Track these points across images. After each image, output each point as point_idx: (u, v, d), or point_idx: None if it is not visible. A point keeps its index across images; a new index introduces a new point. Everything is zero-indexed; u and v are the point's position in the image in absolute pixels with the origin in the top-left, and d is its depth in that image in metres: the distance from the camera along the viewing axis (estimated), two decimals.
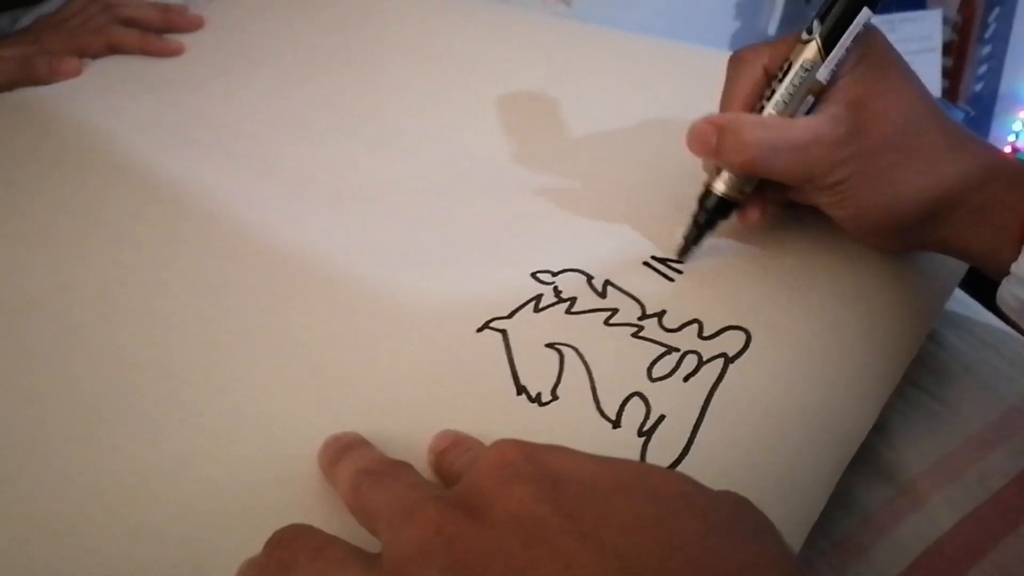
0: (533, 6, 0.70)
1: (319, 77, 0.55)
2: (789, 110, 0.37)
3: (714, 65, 0.48)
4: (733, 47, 0.95)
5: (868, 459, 0.39)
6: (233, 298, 0.38)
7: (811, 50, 0.36)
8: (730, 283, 0.39)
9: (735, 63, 0.39)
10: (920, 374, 0.43)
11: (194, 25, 0.61)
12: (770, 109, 0.37)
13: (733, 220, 0.40)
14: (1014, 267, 0.35)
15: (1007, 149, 1.40)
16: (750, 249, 0.41)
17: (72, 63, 0.56)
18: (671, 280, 0.39)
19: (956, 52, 1.05)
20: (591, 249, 0.40)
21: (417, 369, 0.35)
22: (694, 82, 0.50)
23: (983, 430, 0.41)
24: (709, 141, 0.36)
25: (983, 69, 1.11)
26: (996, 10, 1.05)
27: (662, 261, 0.40)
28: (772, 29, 0.91)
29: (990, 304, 0.48)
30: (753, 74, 0.38)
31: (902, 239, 0.38)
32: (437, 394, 0.34)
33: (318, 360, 0.35)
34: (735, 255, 0.40)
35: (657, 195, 0.44)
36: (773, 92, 0.37)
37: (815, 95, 0.37)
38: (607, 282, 0.38)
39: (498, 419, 0.33)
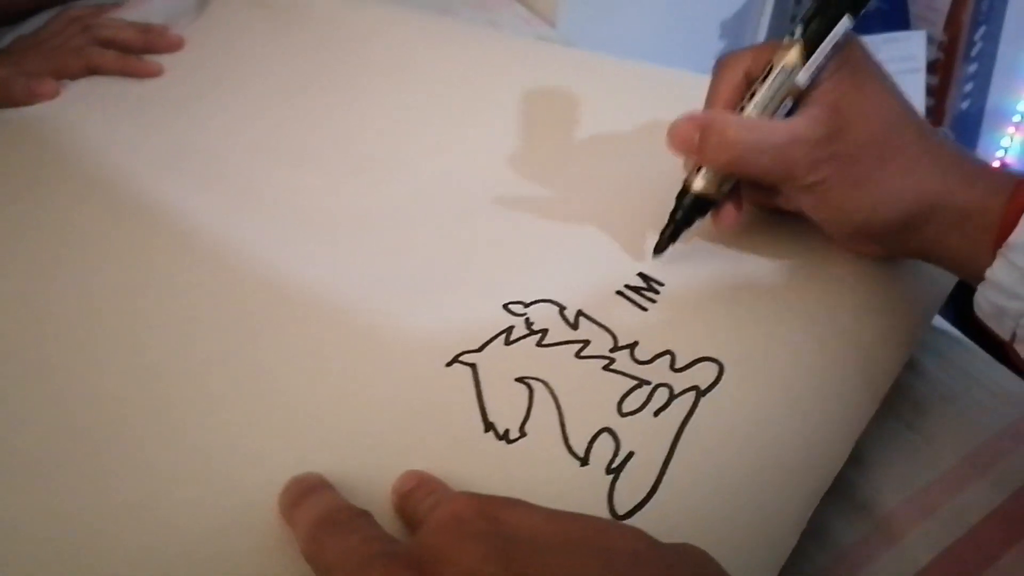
0: (518, 28, 0.70)
1: (298, 100, 0.55)
2: (768, 111, 0.37)
3: (696, 90, 0.48)
4: None
5: (843, 492, 0.39)
6: (203, 330, 0.38)
7: (793, 54, 0.37)
8: (704, 312, 0.39)
9: (718, 67, 0.40)
10: (898, 404, 0.43)
11: (174, 46, 0.61)
12: (750, 110, 0.37)
13: (708, 249, 0.40)
14: (989, 272, 0.35)
15: (995, 164, 1.40)
16: (725, 277, 0.40)
17: (50, 85, 0.55)
18: (644, 310, 0.38)
19: (942, 70, 1.05)
20: (564, 278, 0.40)
21: (385, 405, 0.34)
22: (675, 108, 0.49)
23: (961, 463, 0.41)
24: (691, 139, 0.37)
25: (969, 87, 1.11)
26: (982, 28, 1.05)
27: (636, 290, 0.39)
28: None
29: (972, 332, 0.48)
30: (734, 76, 0.39)
31: (884, 243, 0.39)
32: (405, 431, 0.33)
33: (285, 394, 0.35)
34: (710, 283, 0.40)
35: (634, 222, 0.43)
36: (754, 94, 0.38)
37: (795, 98, 0.37)
38: (579, 312, 0.38)
39: (465, 457, 0.33)
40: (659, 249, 0.40)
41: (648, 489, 0.32)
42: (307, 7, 0.61)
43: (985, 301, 0.36)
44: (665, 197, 0.42)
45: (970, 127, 1.18)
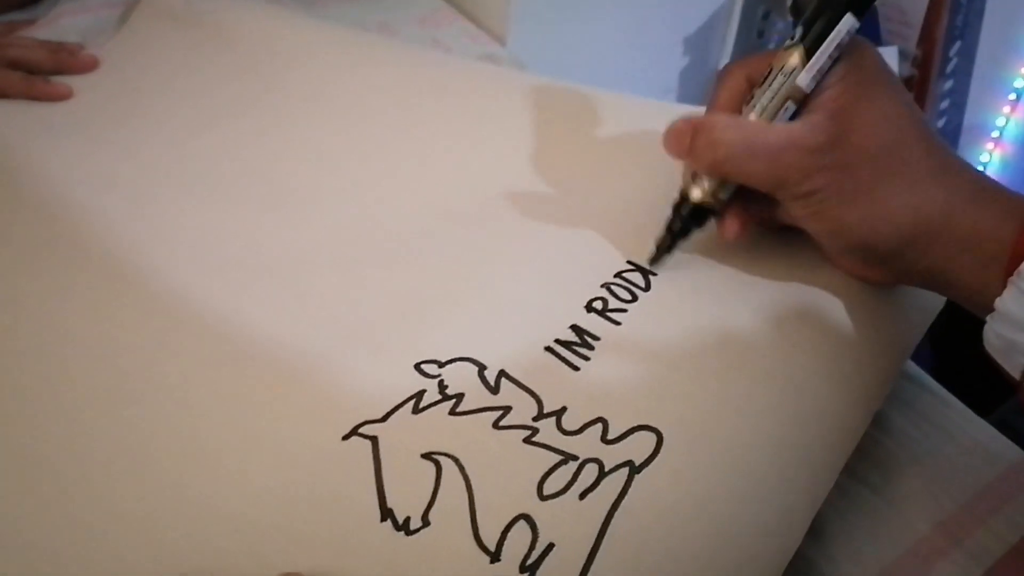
0: (465, 46, 0.65)
1: (216, 127, 0.50)
2: (767, 115, 0.35)
3: (652, 118, 0.44)
4: (682, 84, 0.91)
5: (799, 571, 0.34)
6: (71, 400, 0.34)
7: (794, 56, 0.35)
8: (644, 370, 0.34)
9: (721, 73, 0.38)
10: (863, 466, 0.39)
11: (87, 67, 0.56)
12: (747, 114, 0.36)
13: (649, 298, 0.36)
14: (998, 303, 0.32)
15: None
16: (668, 330, 0.36)
17: None
18: (576, 369, 0.34)
19: (917, 87, 1.02)
20: (487, 332, 0.35)
21: (266, 487, 0.30)
22: (632, 139, 0.46)
23: (932, 534, 0.37)
24: (683, 141, 0.36)
25: (946, 103, 1.08)
26: (957, 44, 1.02)
27: (567, 345, 0.35)
28: (723, 64, 0.87)
29: (949, 384, 0.44)
30: (735, 83, 0.37)
31: (884, 265, 0.36)
32: (287, 519, 0.29)
33: (143, 471, 0.30)
34: (651, 337, 0.35)
35: (573, 268, 0.39)
36: (753, 98, 0.36)
37: (797, 103, 0.35)
38: (501, 373, 0.34)
39: (355, 553, 0.28)
40: (654, 261, 0.38)
41: None
42: (233, 24, 0.57)
43: (994, 335, 0.33)
44: (607, 241, 0.40)
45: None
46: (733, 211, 0.37)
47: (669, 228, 0.38)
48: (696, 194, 0.37)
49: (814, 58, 0.34)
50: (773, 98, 0.35)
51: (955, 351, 0.52)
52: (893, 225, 0.34)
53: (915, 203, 0.34)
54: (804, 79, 0.35)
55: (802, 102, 0.35)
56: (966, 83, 1.09)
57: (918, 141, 0.34)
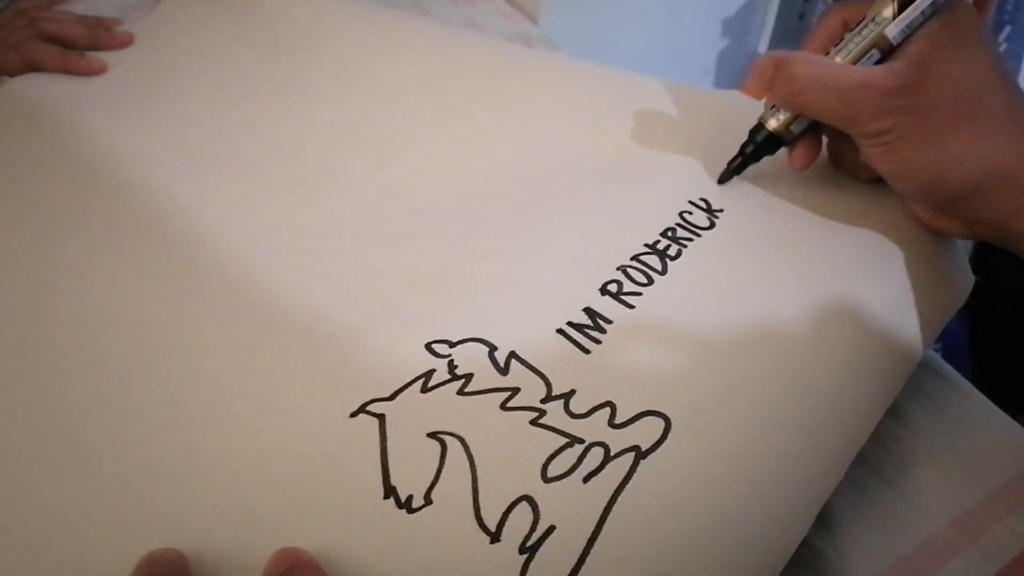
0: (497, 24, 0.65)
1: (245, 105, 0.51)
2: (851, 59, 0.37)
3: (679, 103, 0.44)
4: (720, 67, 0.90)
5: (808, 563, 0.34)
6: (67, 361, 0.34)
7: (888, 8, 0.36)
8: (655, 355, 0.34)
9: (820, 16, 0.41)
10: (879, 458, 0.38)
11: (122, 43, 0.57)
12: (835, 57, 0.38)
13: (665, 282, 0.35)
14: None
15: None
16: (683, 314, 0.36)
17: None
18: (587, 352, 0.34)
19: None
20: (499, 313, 0.35)
21: (272, 463, 0.30)
22: (657, 125, 0.45)
23: (947, 529, 0.36)
24: (766, 75, 0.38)
25: None
26: (1007, 28, 0.98)
27: (579, 328, 0.35)
28: (763, 47, 0.85)
29: (977, 377, 0.43)
30: (830, 26, 0.39)
31: (952, 211, 0.37)
32: (290, 495, 0.29)
33: (148, 445, 0.31)
34: (664, 322, 0.35)
35: (589, 250, 0.38)
36: (842, 41, 0.38)
37: (882, 52, 0.37)
38: (512, 354, 0.34)
39: (357, 529, 0.28)
40: (723, 179, 0.42)
41: (568, 573, 0.28)
42: (267, 2, 0.57)
43: None
44: (626, 231, 0.39)
45: None
46: (804, 144, 0.40)
47: (742, 150, 0.41)
48: (772, 123, 0.40)
49: (906, 12, 0.36)
50: (860, 44, 0.37)
51: (996, 351, 0.51)
52: (960, 170, 0.35)
53: (985, 151, 0.34)
54: (893, 31, 0.36)
55: (888, 53, 0.36)
56: (1016, 68, 1.05)
57: (999, 92, 0.35)
